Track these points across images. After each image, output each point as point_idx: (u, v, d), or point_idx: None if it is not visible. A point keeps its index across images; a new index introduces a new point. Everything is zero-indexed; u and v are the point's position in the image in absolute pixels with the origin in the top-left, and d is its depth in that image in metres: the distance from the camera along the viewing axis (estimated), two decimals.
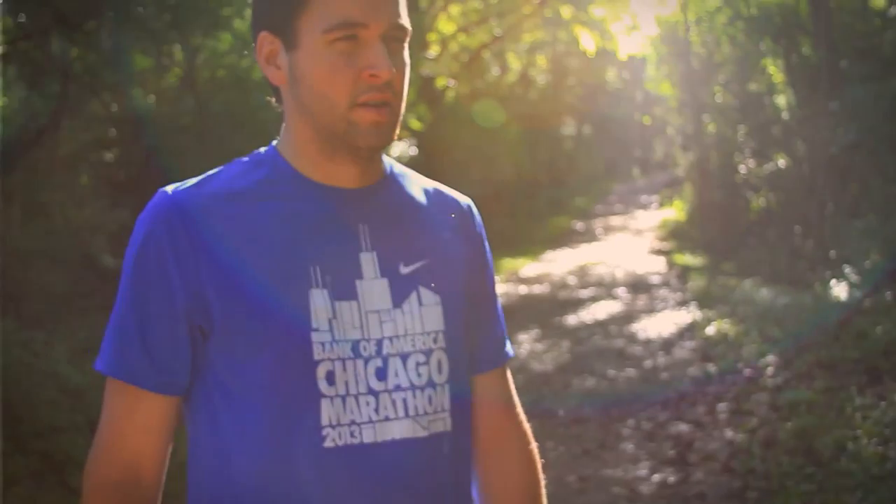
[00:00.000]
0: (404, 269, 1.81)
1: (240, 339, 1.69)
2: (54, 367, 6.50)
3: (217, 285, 1.69)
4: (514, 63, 32.48)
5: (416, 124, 21.67)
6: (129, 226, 1.83)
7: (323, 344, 1.70)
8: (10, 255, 7.68)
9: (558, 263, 19.57)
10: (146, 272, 1.72)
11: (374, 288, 1.76)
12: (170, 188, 1.77)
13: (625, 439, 7.34)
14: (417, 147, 22.30)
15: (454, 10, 25.91)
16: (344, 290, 1.74)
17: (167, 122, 11.40)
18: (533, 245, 22.61)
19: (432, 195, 1.95)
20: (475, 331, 1.93)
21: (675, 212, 26.74)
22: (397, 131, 1.76)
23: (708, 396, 8.24)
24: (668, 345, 10.57)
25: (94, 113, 11.53)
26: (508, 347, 2.02)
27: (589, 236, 25.25)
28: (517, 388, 2.03)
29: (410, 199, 1.90)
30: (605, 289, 15.37)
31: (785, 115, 16.39)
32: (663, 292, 14.48)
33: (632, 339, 11.09)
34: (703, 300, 12.99)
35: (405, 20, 1.75)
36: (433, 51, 23.15)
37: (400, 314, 1.77)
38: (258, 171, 1.81)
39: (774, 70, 16.75)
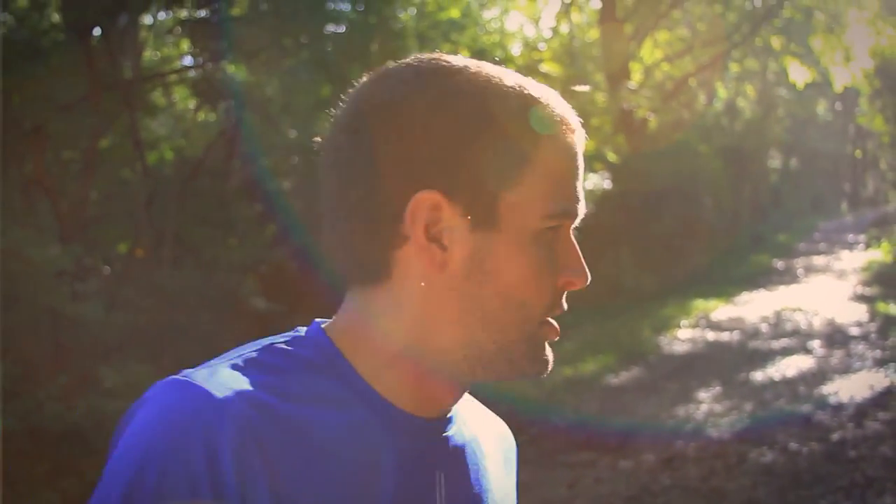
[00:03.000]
0: None
1: None
2: None
3: None
4: (722, 92, 31.64)
5: (611, 156, 21.22)
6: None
7: None
8: (158, 296, 7.57)
9: (753, 307, 18.72)
10: None
11: None
12: (200, 379, 1.08)
13: None
14: (612, 181, 21.70)
15: (661, 37, 25.45)
16: None
17: None
18: (729, 285, 21.81)
19: (485, 424, 1.42)
20: None
21: (881, 254, 25.46)
22: None
23: None
24: (860, 414, 9.76)
25: (270, 141, 11.44)
26: None
27: (789, 277, 24.23)
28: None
29: (473, 434, 1.35)
30: (800, 340, 14.53)
31: None
32: (861, 348, 13.57)
33: (821, 403, 10.30)
34: None
35: None
36: (635, 80, 22.71)
37: None
38: (311, 378, 1.17)
39: None
